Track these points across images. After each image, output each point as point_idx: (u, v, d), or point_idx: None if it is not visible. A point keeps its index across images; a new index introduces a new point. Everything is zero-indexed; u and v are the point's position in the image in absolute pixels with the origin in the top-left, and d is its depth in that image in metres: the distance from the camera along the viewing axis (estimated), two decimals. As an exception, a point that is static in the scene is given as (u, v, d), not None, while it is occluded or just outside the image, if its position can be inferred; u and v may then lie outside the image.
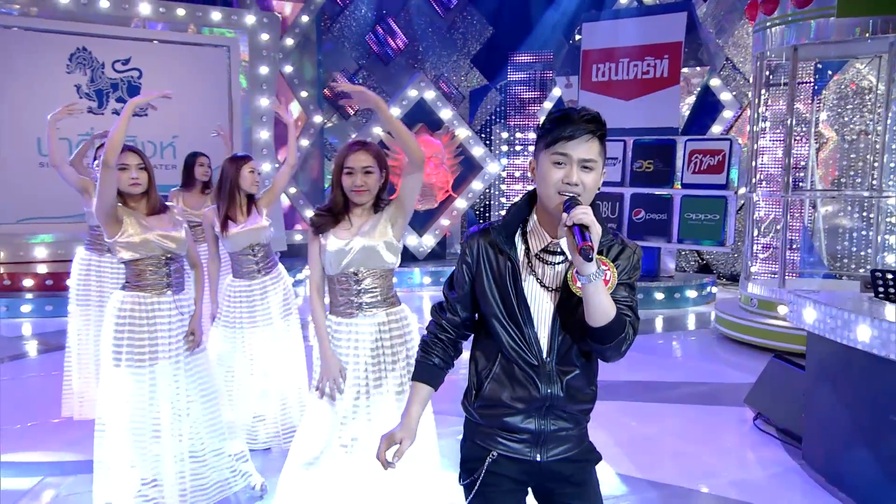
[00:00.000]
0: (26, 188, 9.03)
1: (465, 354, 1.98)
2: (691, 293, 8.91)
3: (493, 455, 1.87)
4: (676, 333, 7.68)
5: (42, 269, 8.65)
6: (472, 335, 1.96)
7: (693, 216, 8.71)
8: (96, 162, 4.28)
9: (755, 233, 7.05)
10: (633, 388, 5.58)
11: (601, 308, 1.67)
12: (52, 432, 4.48)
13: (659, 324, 8.06)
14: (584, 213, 1.61)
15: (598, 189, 1.75)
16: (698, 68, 9.20)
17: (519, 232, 1.81)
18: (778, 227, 6.77)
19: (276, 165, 10.63)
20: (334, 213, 2.88)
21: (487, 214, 13.51)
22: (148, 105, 3.61)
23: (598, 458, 1.94)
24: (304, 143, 11.61)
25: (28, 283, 8.26)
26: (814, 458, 4.03)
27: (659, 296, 8.77)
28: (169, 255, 3.14)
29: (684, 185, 8.78)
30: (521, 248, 1.81)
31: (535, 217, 1.82)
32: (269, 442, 4.06)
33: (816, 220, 8.98)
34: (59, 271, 8.27)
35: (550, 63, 10.80)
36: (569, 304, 1.75)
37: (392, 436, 1.91)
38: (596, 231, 1.60)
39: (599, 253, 1.70)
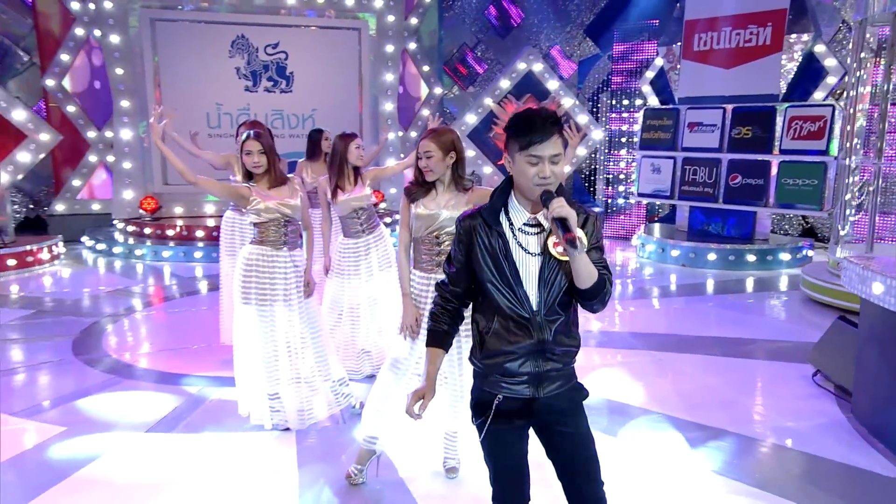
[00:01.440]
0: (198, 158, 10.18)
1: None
2: (785, 256, 8.56)
3: (499, 398, 2.07)
4: (765, 294, 7.48)
5: (210, 222, 9.79)
6: (471, 302, 2.16)
7: (791, 181, 8.34)
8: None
9: (847, 197, 6.67)
10: (706, 343, 5.66)
11: (587, 272, 1.94)
12: (213, 353, 5.27)
13: (749, 284, 7.88)
14: (560, 207, 1.86)
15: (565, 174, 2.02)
16: (805, 35, 8.60)
17: (502, 211, 2.05)
18: (870, 188, 6.38)
19: (399, 134, 11.17)
20: (421, 184, 3.23)
21: (593, 178, 13.44)
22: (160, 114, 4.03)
23: (586, 394, 2.17)
24: (425, 112, 12.07)
25: (199, 233, 9.36)
26: (861, 412, 4.03)
27: (751, 258, 8.51)
28: (286, 219, 3.69)
29: (783, 151, 8.39)
30: (506, 223, 2.03)
31: (513, 198, 2.05)
32: (372, 371, 4.59)
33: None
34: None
35: (656, 31, 10.47)
36: (550, 266, 2.00)
37: (416, 392, 2.14)
38: (572, 218, 1.87)
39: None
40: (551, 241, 1.98)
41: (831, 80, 8.70)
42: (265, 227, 3.67)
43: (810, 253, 8.84)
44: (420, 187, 3.24)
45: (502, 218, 2.04)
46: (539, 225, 2.04)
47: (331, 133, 5.73)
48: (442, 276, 3.24)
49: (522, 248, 2.02)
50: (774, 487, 3.32)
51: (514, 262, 2.01)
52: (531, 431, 2.19)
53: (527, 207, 2.04)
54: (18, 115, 8.31)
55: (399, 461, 3.55)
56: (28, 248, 8.44)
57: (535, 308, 2.01)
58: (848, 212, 6.77)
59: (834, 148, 7.83)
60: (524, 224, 2.04)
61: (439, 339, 2.16)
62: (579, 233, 1.88)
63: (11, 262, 8.24)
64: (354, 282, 4.47)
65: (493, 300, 2.03)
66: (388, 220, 9.51)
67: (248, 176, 3.72)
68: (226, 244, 5.14)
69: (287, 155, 9.08)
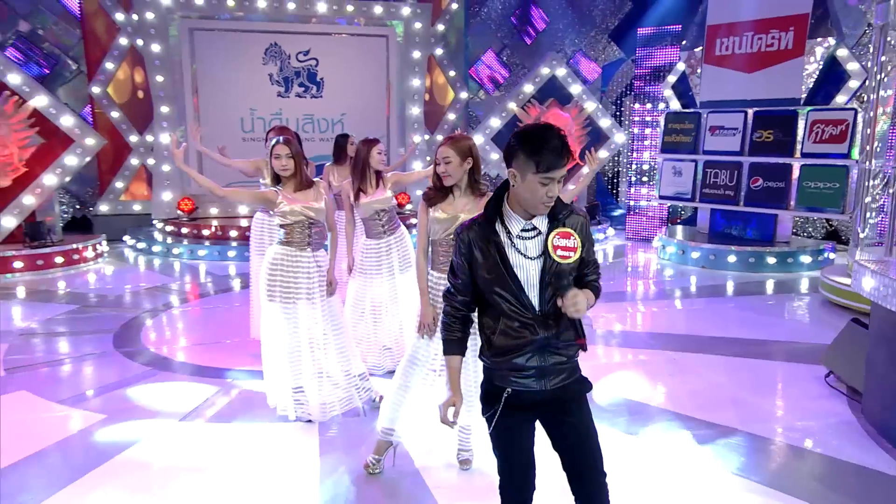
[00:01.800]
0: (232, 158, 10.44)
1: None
2: (805, 258, 8.46)
3: (508, 391, 2.14)
4: (784, 296, 7.42)
5: (244, 222, 10.01)
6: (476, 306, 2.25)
7: (812, 184, 8.24)
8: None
9: (867, 200, 6.58)
10: (722, 344, 5.65)
11: (589, 303, 2.09)
12: (244, 347, 5.44)
13: (769, 286, 7.81)
14: (574, 308, 2.00)
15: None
16: (830, 39, 8.48)
17: (497, 220, 2.12)
18: (891, 190, 6.28)
19: (426, 138, 11.30)
20: (438, 190, 3.33)
21: (616, 180, 13.40)
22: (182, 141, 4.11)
23: (590, 386, 2.24)
24: (451, 116, 12.17)
25: (233, 233, 9.61)
26: (870, 413, 4.02)
27: (771, 260, 8.43)
28: (311, 221, 3.83)
29: (804, 155, 8.29)
30: (503, 232, 2.10)
31: (507, 207, 2.11)
32: (393, 367, 4.69)
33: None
34: (255, 225, 9.58)
35: (678, 36, 10.41)
36: (550, 267, 2.07)
37: (447, 402, 2.22)
38: (585, 315, 2.05)
39: (563, 224, 2.10)
40: (551, 244, 2.06)
41: (853, 83, 8.57)
42: (291, 228, 3.82)
43: (832, 255, 8.71)
44: (438, 193, 3.33)
45: (498, 227, 2.11)
46: (535, 229, 2.11)
47: (356, 138, 5.90)
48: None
49: (522, 253, 2.09)
50: (782, 485, 3.35)
51: (513, 268, 2.08)
52: (537, 425, 2.26)
53: (522, 215, 2.11)
54: (66, 121, 8.64)
55: (415, 452, 3.67)
56: (74, 246, 8.78)
57: (537, 309, 2.09)
58: (868, 215, 6.68)
59: (856, 151, 7.72)
60: (521, 230, 2.11)
61: (455, 346, 2.25)
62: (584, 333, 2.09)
63: (59, 259, 8.58)
64: (377, 281, 4.59)
65: (498, 305, 2.11)
66: (413, 220, 9.63)
67: (276, 179, 3.87)
68: (255, 244, 5.31)
69: (316, 158, 9.29)
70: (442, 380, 3.42)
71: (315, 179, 3.99)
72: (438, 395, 3.44)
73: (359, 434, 3.90)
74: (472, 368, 3.35)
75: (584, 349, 2.16)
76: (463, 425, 3.50)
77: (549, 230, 2.10)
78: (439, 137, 11.76)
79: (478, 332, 2.24)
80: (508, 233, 2.11)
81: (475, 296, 2.20)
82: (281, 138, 3.80)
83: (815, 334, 5.88)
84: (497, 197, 2.16)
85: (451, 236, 3.31)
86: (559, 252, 2.07)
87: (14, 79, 8.41)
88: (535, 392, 2.14)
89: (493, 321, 2.15)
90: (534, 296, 2.09)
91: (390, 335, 4.69)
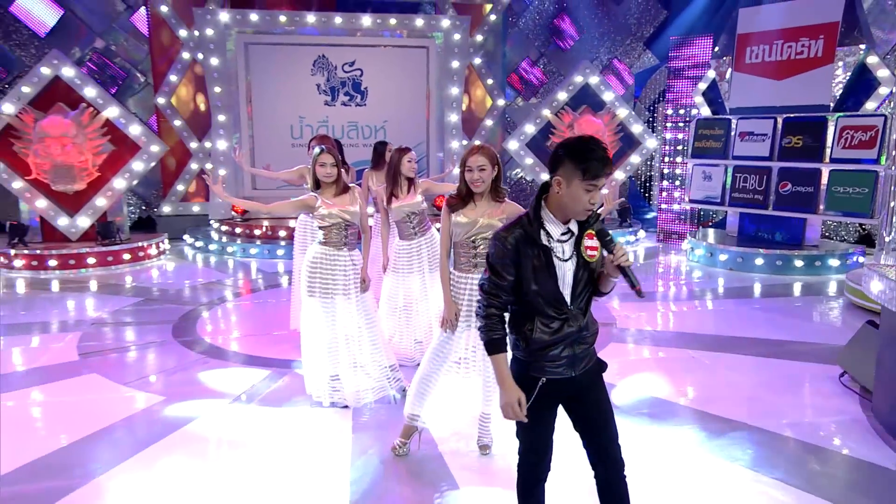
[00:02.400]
0: (283, 163, 10.76)
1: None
2: (833, 262, 8.30)
3: (543, 380, 2.26)
4: (810, 298, 7.32)
5: (292, 223, 10.30)
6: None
7: (841, 189, 8.09)
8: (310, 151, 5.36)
9: (893, 204, 6.43)
10: (741, 343, 5.66)
11: (612, 282, 2.27)
12: (290, 339, 5.71)
13: (796, 289, 7.71)
14: (624, 257, 2.14)
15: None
16: (861, 47, 8.30)
17: (538, 224, 2.22)
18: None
19: (464, 143, 11.47)
20: (463, 198, 3.47)
21: (649, 184, 13.32)
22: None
23: (605, 366, 2.41)
24: (489, 122, 12.32)
25: (282, 233, 9.97)
26: (879, 411, 4.02)
27: (798, 263, 8.31)
28: (347, 223, 4.06)
29: (833, 160, 8.15)
30: (544, 237, 2.21)
31: (547, 212, 2.23)
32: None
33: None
34: (303, 226, 9.92)
35: (711, 44, 10.31)
36: (580, 267, 2.24)
37: (511, 401, 2.22)
38: (633, 265, 2.15)
39: (589, 227, 2.22)
40: (583, 245, 2.22)
41: (883, 90, 8.36)
42: (329, 230, 4.06)
43: (861, 259, 8.52)
44: (460, 200, 3.47)
45: (540, 231, 2.22)
46: (570, 232, 2.25)
47: (396, 144, 6.13)
48: (477, 276, 3.49)
49: (558, 256, 2.22)
50: (786, 478, 3.40)
51: (556, 270, 2.21)
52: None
53: (560, 218, 2.23)
54: (134, 130, 9.14)
55: (438, 437, 3.85)
56: (140, 244, 9.29)
57: (569, 304, 2.25)
58: (894, 219, 6.54)
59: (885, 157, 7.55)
60: (560, 234, 2.24)
61: (503, 344, 2.27)
62: (638, 280, 2.19)
63: (126, 256, 9.10)
64: (409, 279, 4.79)
65: (536, 303, 2.23)
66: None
67: (317, 184, 4.11)
68: (299, 243, 5.57)
69: (358, 163, 9.60)
70: (460, 370, 3.60)
71: (351, 185, 4.21)
72: (460, 384, 3.62)
73: (389, 420, 4.09)
74: (489, 361, 3.50)
75: (642, 295, 2.15)
76: (483, 413, 3.66)
77: (580, 233, 2.24)
78: (477, 143, 11.91)
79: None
80: (549, 236, 2.22)
81: (512, 297, 2.26)
82: (325, 147, 4.03)
83: (836, 336, 5.82)
84: (537, 204, 2.25)
85: (472, 238, 3.45)
86: (588, 252, 2.21)
87: (90, 92, 8.95)
88: (566, 379, 2.28)
89: (529, 319, 2.25)
90: (567, 293, 2.23)
91: (421, 329, 4.88)
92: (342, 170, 4.13)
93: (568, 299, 2.23)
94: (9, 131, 8.71)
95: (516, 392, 2.22)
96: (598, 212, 2.28)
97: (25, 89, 8.76)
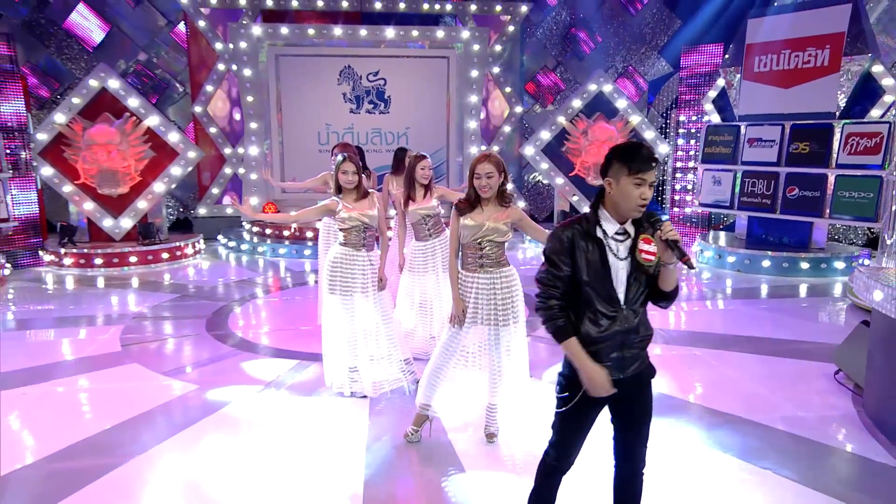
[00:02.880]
0: (311, 167, 11.03)
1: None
2: (839, 264, 8.26)
3: None
4: (814, 300, 7.32)
5: (318, 225, 10.55)
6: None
7: (847, 194, 8.06)
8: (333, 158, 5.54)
9: (894, 208, 6.42)
10: (742, 342, 5.71)
11: (673, 279, 2.24)
12: (315, 334, 5.81)
13: (802, 290, 7.71)
14: (672, 231, 2.12)
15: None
16: (867, 55, 8.25)
17: (595, 221, 2.24)
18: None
19: (483, 149, 11.61)
20: (471, 202, 3.59)
21: (661, 188, 13.29)
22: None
23: (654, 372, 2.39)
24: (507, 129, 12.44)
25: (309, 234, 10.20)
26: (870, 407, 4.08)
27: (804, 265, 8.29)
28: (365, 226, 4.24)
29: (839, 166, 8.12)
30: (600, 233, 2.22)
31: (604, 211, 2.24)
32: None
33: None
34: (329, 227, 10.13)
35: (721, 52, 10.30)
36: (635, 269, 2.22)
37: (599, 382, 2.21)
38: (680, 240, 2.13)
39: (647, 231, 2.21)
40: (638, 247, 2.21)
41: (888, 98, 8.30)
42: (348, 232, 4.24)
43: (867, 262, 8.46)
44: (469, 204, 3.60)
45: (597, 228, 2.24)
46: (626, 233, 2.25)
47: (417, 150, 6.27)
48: (483, 276, 3.62)
49: (614, 253, 2.22)
50: (775, 468, 3.49)
51: (609, 266, 2.21)
52: None
53: (616, 218, 2.24)
54: (173, 137, 9.47)
55: (448, 425, 4.01)
56: (177, 244, 9.62)
57: (622, 304, 2.23)
58: (896, 224, 6.52)
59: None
60: (615, 233, 2.24)
61: (570, 329, 2.24)
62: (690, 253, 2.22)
63: (165, 255, 9.43)
64: (424, 278, 4.96)
65: (588, 297, 2.22)
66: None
67: (339, 189, 4.29)
68: (323, 244, 5.76)
69: (379, 168, 9.81)
70: (469, 364, 3.75)
71: (370, 191, 4.38)
72: (469, 377, 3.78)
73: (403, 409, 4.25)
74: (496, 355, 3.65)
75: (692, 266, 2.16)
76: (490, 403, 3.81)
77: (636, 235, 2.24)
78: (495, 149, 12.04)
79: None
80: (605, 234, 2.23)
81: (569, 288, 2.24)
82: (346, 155, 4.21)
83: (836, 336, 5.82)
84: (595, 203, 2.28)
85: (478, 240, 3.56)
86: (643, 255, 2.19)
87: (133, 102, 9.31)
88: (615, 381, 2.24)
89: (579, 313, 2.24)
90: (620, 291, 2.22)
91: (436, 326, 5.04)
92: (363, 175, 4.30)
93: (622, 298, 2.21)
94: (60, 139, 9.11)
95: (598, 372, 2.20)
96: (661, 217, 2.25)
97: (75, 100, 9.15)
